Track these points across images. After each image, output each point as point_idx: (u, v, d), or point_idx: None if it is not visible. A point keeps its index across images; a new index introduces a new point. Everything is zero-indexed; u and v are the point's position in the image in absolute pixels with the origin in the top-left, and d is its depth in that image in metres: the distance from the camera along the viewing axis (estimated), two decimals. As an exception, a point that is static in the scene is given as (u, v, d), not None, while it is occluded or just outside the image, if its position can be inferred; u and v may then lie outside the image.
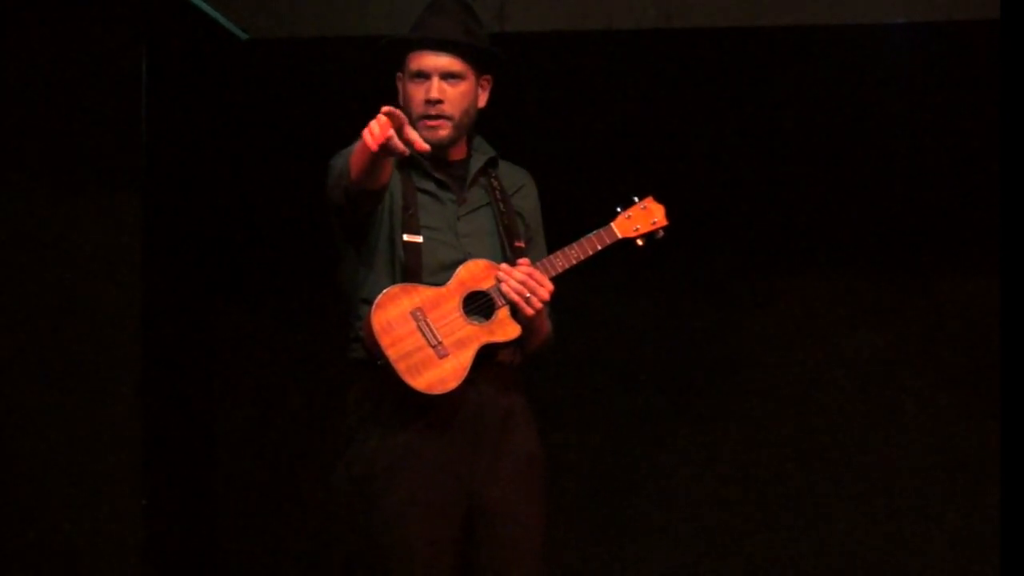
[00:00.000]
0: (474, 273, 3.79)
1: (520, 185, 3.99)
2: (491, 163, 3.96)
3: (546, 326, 3.94)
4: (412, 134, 3.60)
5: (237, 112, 5.96)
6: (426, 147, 3.66)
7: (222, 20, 5.41)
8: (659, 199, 3.94)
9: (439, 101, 3.83)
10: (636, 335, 5.92)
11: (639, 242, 3.92)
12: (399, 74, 3.91)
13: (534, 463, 3.85)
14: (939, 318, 5.84)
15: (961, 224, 5.80)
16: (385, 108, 3.54)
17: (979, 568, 5.74)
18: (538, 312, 3.79)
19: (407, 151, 3.58)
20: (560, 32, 5.39)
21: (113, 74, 5.35)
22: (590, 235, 3.87)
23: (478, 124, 3.96)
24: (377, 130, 3.51)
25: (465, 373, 3.72)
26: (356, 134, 3.98)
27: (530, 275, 3.77)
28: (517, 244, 3.89)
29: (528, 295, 3.76)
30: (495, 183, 3.94)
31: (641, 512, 5.90)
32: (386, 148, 3.53)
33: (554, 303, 3.83)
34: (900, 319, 5.86)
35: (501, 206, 3.91)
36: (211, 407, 6.03)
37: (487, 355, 3.77)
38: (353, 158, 3.67)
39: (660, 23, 5.32)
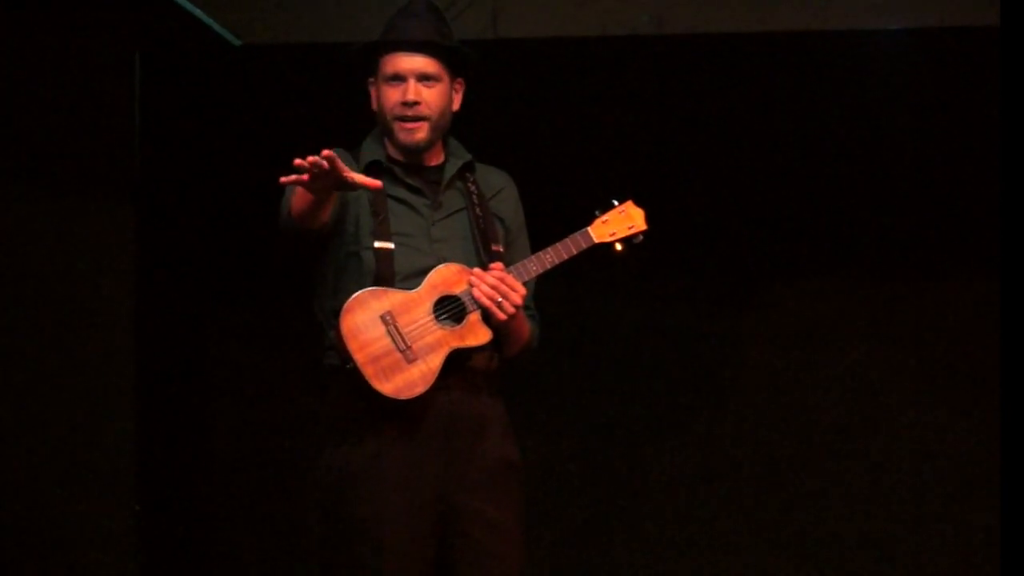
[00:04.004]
0: (446, 277, 3.76)
1: (499, 188, 3.96)
2: (467, 167, 3.93)
3: (525, 331, 3.90)
4: (357, 177, 3.58)
5: (230, 118, 5.94)
6: (378, 184, 3.64)
7: (215, 26, 5.39)
8: (639, 203, 3.90)
9: (416, 103, 3.81)
10: (631, 339, 5.91)
11: (617, 247, 3.88)
12: (371, 79, 3.90)
13: (509, 469, 3.81)
14: (937, 322, 5.84)
15: (959, 228, 5.79)
16: (326, 152, 3.52)
17: (979, 569, 5.74)
18: (511, 317, 3.75)
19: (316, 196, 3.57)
20: (553, 38, 5.38)
21: (106, 80, 5.35)
22: (565, 239, 3.84)
23: (454, 127, 3.94)
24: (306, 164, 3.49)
25: (434, 378, 3.69)
26: (349, 140, 3.99)
27: (502, 280, 3.74)
28: (494, 248, 3.85)
29: (500, 300, 3.73)
30: (472, 187, 3.90)
31: (635, 517, 5.88)
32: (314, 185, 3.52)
33: (542, 306, 3.80)
34: (897, 322, 5.86)
35: (478, 210, 3.87)
36: (205, 413, 6.01)
37: (460, 360, 3.74)
38: (294, 198, 3.68)
39: (653, 29, 5.31)
